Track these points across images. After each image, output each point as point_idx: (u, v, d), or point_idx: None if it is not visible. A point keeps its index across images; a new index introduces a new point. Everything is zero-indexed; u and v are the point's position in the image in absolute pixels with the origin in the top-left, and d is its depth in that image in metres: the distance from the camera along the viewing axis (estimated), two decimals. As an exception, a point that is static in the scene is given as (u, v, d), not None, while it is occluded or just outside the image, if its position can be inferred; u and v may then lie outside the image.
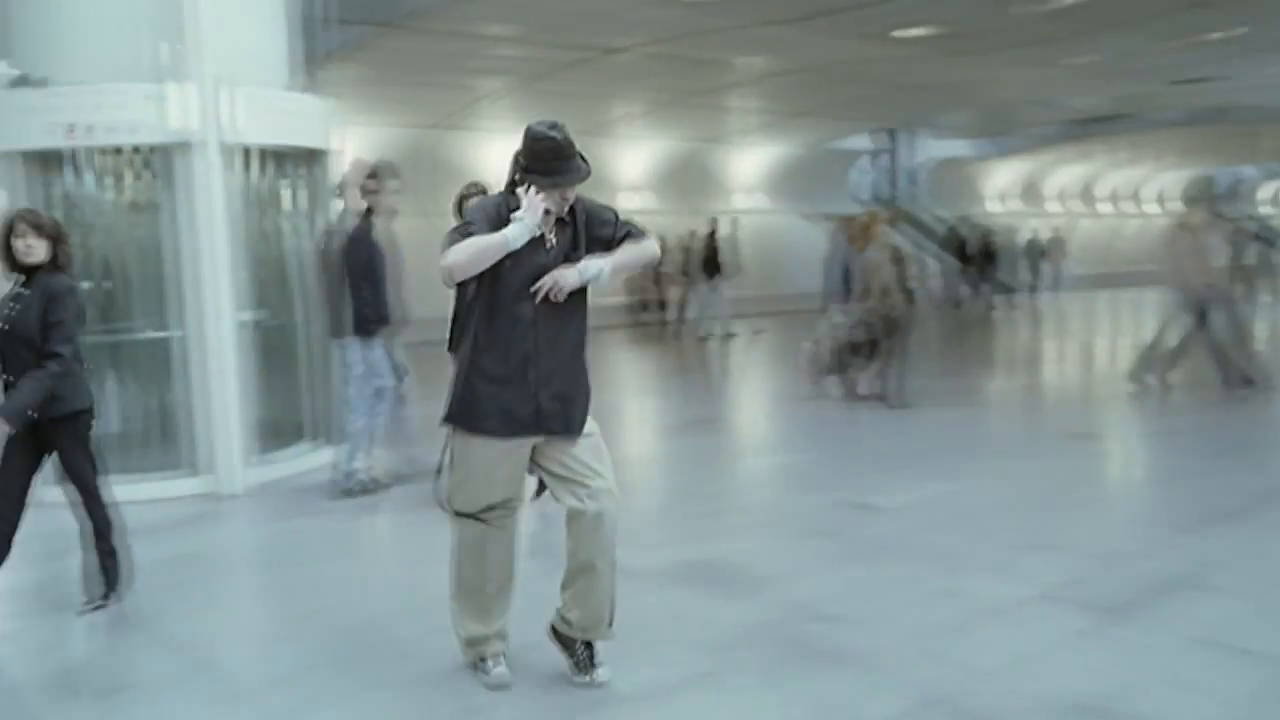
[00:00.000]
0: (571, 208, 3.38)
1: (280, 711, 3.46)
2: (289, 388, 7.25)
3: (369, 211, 6.09)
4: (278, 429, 7.10)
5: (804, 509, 5.96)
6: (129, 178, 6.44)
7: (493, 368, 3.35)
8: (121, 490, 6.29)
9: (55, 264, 4.22)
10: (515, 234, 3.22)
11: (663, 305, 19.50)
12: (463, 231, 3.27)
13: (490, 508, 3.50)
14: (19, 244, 4.15)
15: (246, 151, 6.57)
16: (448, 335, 4.88)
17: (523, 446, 3.43)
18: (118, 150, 6.29)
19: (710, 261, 16.27)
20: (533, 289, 3.29)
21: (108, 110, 6.07)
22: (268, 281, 7.07)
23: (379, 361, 6.18)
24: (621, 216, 3.48)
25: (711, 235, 16.47)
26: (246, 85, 6.40)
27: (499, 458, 3.42)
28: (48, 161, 6.31)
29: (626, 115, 19.64)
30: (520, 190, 3.29)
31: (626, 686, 3.53)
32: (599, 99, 18.20)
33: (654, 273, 19.60)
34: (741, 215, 22.58)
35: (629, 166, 21.89)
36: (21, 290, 4.20)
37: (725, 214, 19.30)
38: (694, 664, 3.71)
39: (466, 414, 3.41)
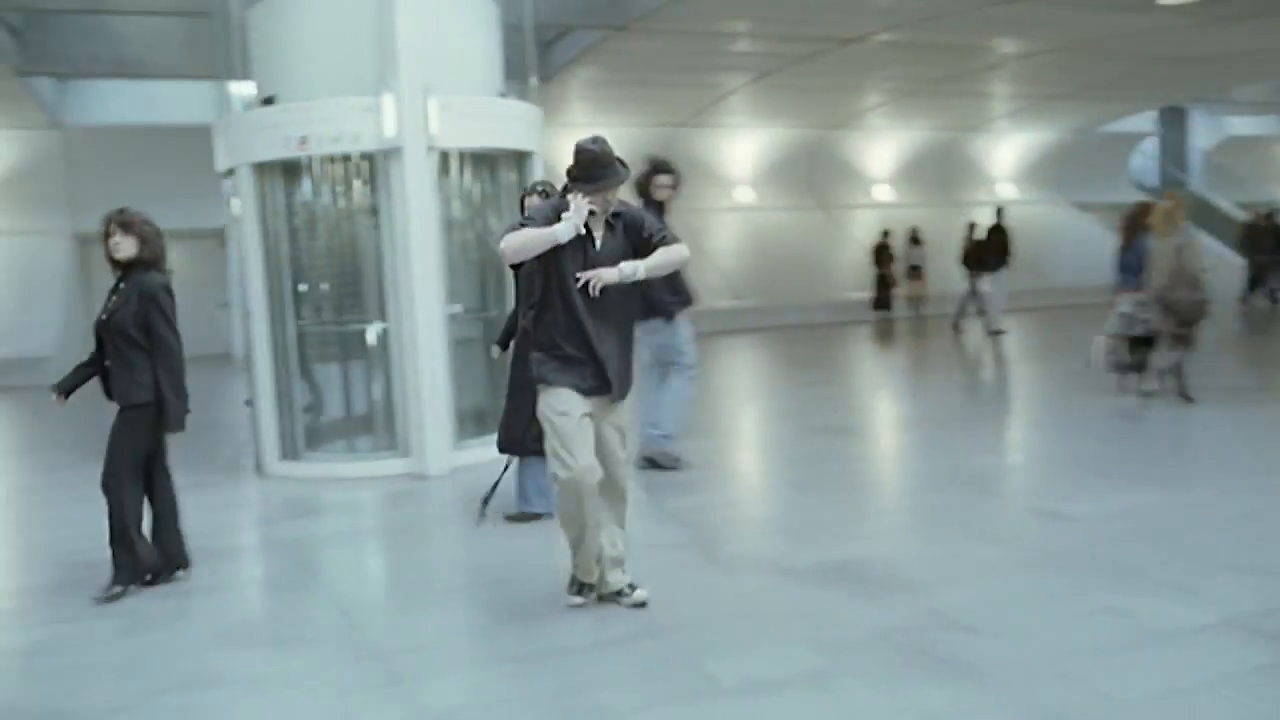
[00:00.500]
0: (617, 214, 4.01)
1: (405, 673, 3.70)
2: (494, 378, 7.68)
3: (661, 206, 6.46)
4: (484, 416, 7.54)
5: (985, 513, 5.60)
6: (348, 183, 7.07)
7: (568, 346, 3.98)
8: (342, 468, 7.01)
9: (148, 260, 4.59)
10: (562, 230, 3.86)
11: (889, 304, 18.83)
12: (519, 225, 4.02)
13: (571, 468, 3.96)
14: (109, 241, 4.57)
15: (451, 155, 7.03)
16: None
17: (589, 403, 4.01)
18: (334, 159, 6.91)
19: (974, 255, 15.24)
20: (577, 278, 3.90)
21: (327, 122, 6.71)
22: (475, 277, 7.53)
23: (677, 342, 6.63)
24: (655, 224, 4.07)
25: (971, 228, 15.51)
26: (452, 94, 6.85)
27: (578, 401, 3.98)
28: (279, 172, 7.05)
29: (869, 107, 19.12)
30: (570, 196, 3.91)
31: (732, 680, 3.50)
32: (840, 91, 17.84)
33: (887, 271, 18.96)
34: (1003, 206, 21.42)
35: (873, 159, 21.31)
36: (120, 284, 4.64)
37: (982, 205, 18.38)
38: (807, 663, 3.61)
39: (551, 375, 3.99)
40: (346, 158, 6.97)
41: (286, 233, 7.16)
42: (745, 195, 20.34)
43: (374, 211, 7.02)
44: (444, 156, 7.03)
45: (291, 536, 5.77)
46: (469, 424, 7.31)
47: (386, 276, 7.00)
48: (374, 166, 6.92)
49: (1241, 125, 25.63)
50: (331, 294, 7.32)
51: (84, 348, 4.84)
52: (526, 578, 4.73)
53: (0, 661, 4.08)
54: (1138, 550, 4.69)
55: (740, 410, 10.30)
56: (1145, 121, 24.49)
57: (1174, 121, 25.89)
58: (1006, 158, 22.56)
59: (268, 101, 7.10)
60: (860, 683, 3.45)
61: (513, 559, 5.10)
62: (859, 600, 4.22)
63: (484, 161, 7.41)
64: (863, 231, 20.32)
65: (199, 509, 6.28)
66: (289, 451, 7.18)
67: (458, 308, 7.20)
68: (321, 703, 3.49)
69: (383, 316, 7.07)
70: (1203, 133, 26.15)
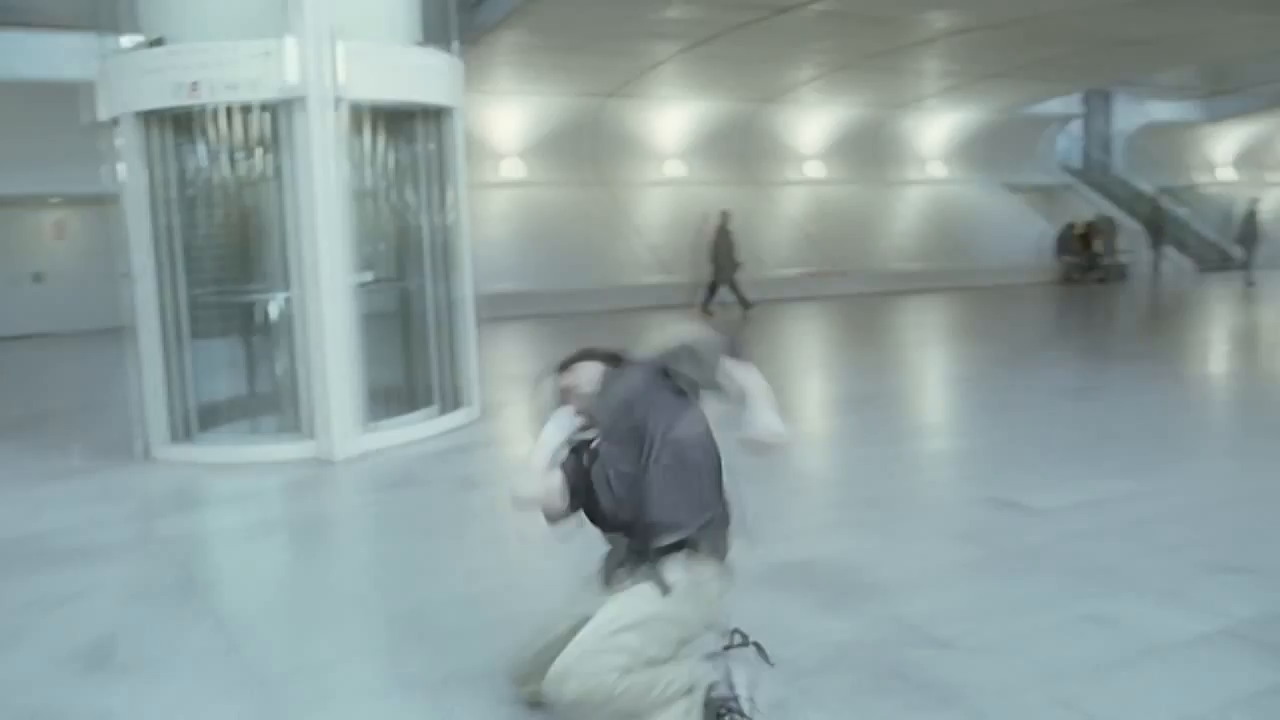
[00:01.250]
0: None
1: (292, 706, 3.11)
2: (409, 353, 7.05)
3: None
4: (395, 395, 6.91)
5: (943, 507, 5.18)
6: (246, 135, 6.30)
7: None
8: (236, 452, 6.30)
9: None
10: None
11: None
12: None
13: None
14: None
15: (362, 108, 6.34)
16: None
17: None
18: (232, 110, 6.14)
19: None
20: None
21: (222, 67, 5.94)
22: (388, 242, 6.88)
23: None
24: None
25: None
26: (361, 40, 6.16)
27: None
28: (168, 121, 6.26)
29: (801, 80, 18.72)
30: None
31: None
32: (772, 63, 17.38)
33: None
34: (930, 186, 21.35)
35: (804, 135, 20.97)
36: None
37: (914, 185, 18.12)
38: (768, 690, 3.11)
39: None
40: (246, 109, 6.20)
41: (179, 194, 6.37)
42: (676, 169, 19.91)
43: (272, 167, 6.29)
44: (345, 107, 6.28)
45: (171, 533, 5.07)
46: (384, 403, 6.66)
47: (283, 239, 6.28)
48: (270, 118, 6.18)
49: (1154, 111, 25.90)
50: (234, 259, 6.57)
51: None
52: (433, 583, 4.17)
53: None
54: (1112, 547, 4.31)
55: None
56: (1062, 104, 24.60)
57: (1089, 105, 26.04)
58: (935, 137, 22.42)
59: (156, 44, 6.29)
60: (828, 716, 2.96)
61: (417, 560, 4.52)
62: (817, 610, 3.73)
63: (394, 116, 6.73)
64: (796, 209, 20.06)
65: (68, 501, 5.61)
66: (179, 434, 6.44)
67: (368, 275, 6.53)
68: (182, 748, 2.88)
69: (279, 285, 6.35)
70: (1116, 118, 26.40)
